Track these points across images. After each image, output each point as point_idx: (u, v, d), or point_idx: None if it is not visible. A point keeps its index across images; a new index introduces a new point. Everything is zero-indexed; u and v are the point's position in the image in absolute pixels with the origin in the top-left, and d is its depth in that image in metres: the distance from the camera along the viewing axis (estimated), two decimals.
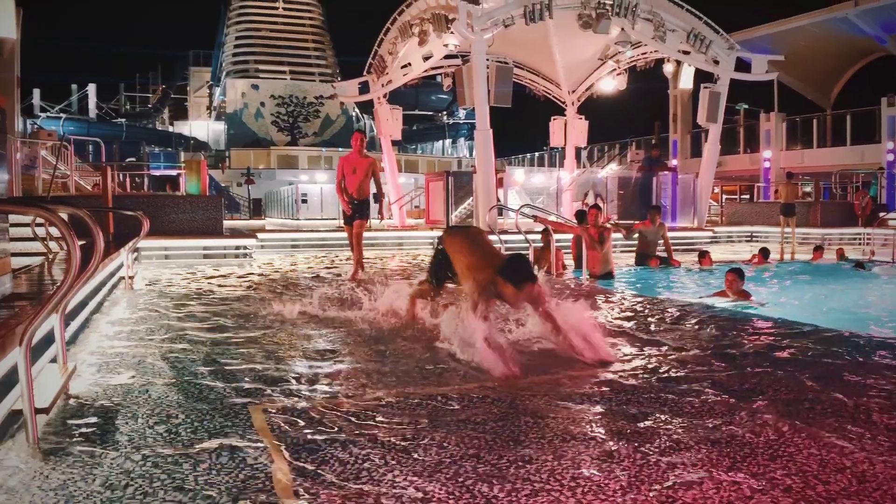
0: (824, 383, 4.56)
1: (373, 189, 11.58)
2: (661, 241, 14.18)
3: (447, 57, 21.18)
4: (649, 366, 5.15)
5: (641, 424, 3.77)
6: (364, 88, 24.44)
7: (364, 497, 2.81)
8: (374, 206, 12.43)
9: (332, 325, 6.77)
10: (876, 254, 17.45)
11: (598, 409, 4.09)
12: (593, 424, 3.80)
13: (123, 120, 70.96)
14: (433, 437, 3.54)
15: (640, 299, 9.13)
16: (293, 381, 4.67)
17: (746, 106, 34.69)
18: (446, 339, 5.68)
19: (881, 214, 23.73)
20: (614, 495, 2.83)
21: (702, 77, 21.61)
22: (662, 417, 3.89)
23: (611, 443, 3.45)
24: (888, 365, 5.14)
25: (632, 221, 17.37)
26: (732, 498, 2.80)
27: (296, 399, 4.27)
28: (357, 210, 11.41)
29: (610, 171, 27.05)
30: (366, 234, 16.92)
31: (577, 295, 9.74)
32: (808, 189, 33.83)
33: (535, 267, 12.03)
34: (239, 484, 2.94)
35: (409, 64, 21.96)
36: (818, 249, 15.52)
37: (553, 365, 5.10)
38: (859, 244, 20.58)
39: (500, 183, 19.98)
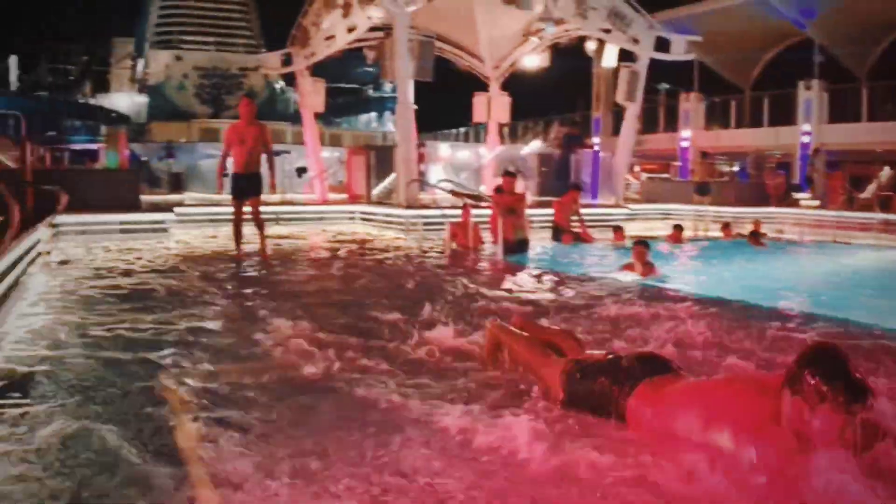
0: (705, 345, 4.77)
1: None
2: (576, 217, 14.40)
3: (372, 29, 20.98)
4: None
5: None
6: (287, 60, 24.04)
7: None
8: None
9: (244, 302, 6.76)
10: (785, 232, 18.03)
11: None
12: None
13: (45, 93, 68.69)
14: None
15: (549, 274, 9.31)
16: (203, 353, 4.71)
17: (667, 86, 35.24)
18: None
19: (793, 194, 24.49)
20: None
21: (626, 56, 21.86)
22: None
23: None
24: (759, 328, 5.38)
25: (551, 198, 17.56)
26: None
27: (206, 371, 4.30)
28: (248, 185, 10.47)
29: (533, 147, 27.18)
30: (286, 209, 16.79)
31: (489, 270, 9.89)
32: (734, 168, 34.71)
33: (452, 242, 12.20)
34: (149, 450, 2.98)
35: (333, 36, 21.67)
36: (726, 227, 15.95)
37: None
38: (772, 223, 21.20)
39: (421, 158, 19.97)
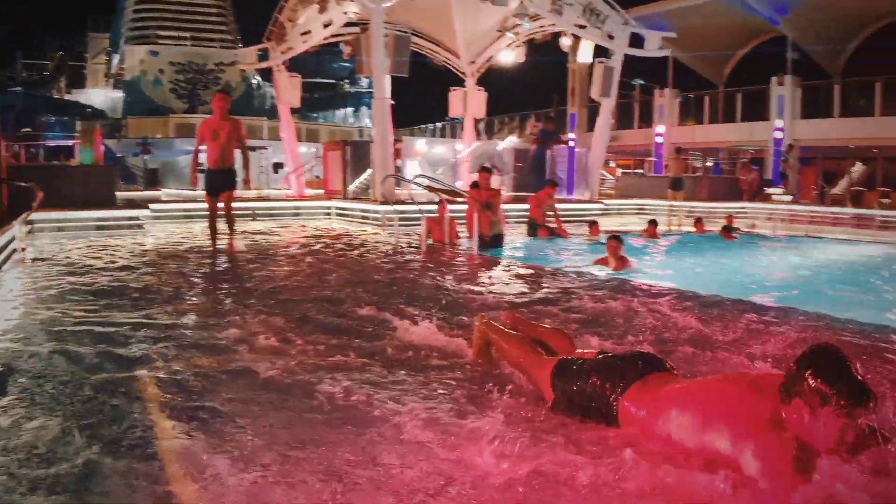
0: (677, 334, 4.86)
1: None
2: (552, 213, 14.51)
3: (348, 25, 20.97)
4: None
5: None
6: (264, 56, 24.00)
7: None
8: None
9: (218, 298, 6.77)
10: (757, 227, 18.23)
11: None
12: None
13: (20, 88, 67.94)
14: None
15: (525, 268, 9.39)
16: (177, 349, 4.76)
17: (642, 82, 35.50)
18: None
19: (766, 189, 24.76)
20: None
21: (601, 52, 21.97)
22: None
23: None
24: (732, 320, 5.49)
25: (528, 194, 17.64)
26: None
27: (179, 365, 4.33)
28: (222, 181, 10.35)
29: (509, 143, 27.26)
30: (262, 205, 16.73)
31: (464, 264, 9.96)
32: (709, 163, 35.00)
33: (428, 237, 12.26)
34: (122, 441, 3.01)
35: (310, 31, 21.64)
36: (699, 221, 16.11)
37: None
38: (745, 218, 21.41)
39: (398, 154, 19.99)
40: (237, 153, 10.53)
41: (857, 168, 25.16)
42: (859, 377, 2.61)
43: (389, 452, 3.03)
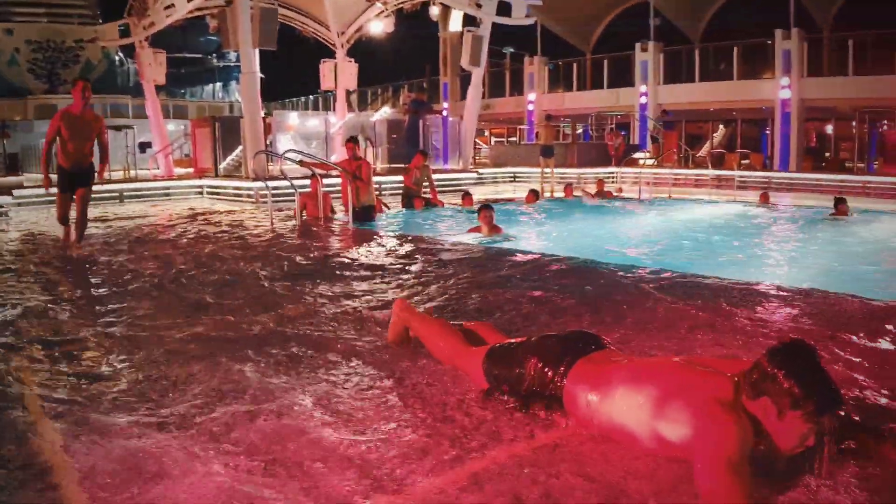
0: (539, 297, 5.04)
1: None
2: (427, 183, 14.61)
3: None
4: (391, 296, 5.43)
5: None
6: (125, 31, 23.13)
7: None
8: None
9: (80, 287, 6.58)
10: (623, 190, 18.86)
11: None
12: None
13: None
14: None
15: (400, 239, 9.46)
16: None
17: (512, 50, 35.86)
18: None
19: (633, 154, 25.62)
20: None
21: (470, 21, 22.08)
22: None
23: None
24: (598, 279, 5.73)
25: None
26: None
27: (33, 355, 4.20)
28: (79, 178, 8.99)
29: (382, 114, 27.21)
30: (130, 186, 16.18)
31: (340, 238, 9.96)
32: (578, 130, 35.78)
33: (302, 212, 12.16)
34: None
35: (173, 5, 20.89)
36: (568, 186, 16.57)
37: None
38: (613, 182, 22.09)
39: (269, 128, 19.67)
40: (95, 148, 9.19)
41: (720, 132, 26.29)
42: (833, 384, 2.52)
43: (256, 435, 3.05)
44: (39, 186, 10.50)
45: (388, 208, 13.91)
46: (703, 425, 2.55)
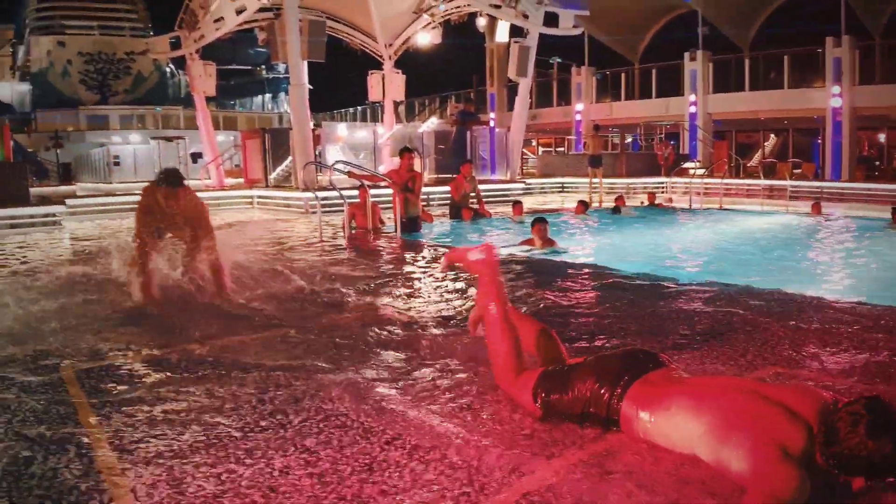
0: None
1: None
2: (474, 194, 14.54)
3: (261, 10, 20.61)
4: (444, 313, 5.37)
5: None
6: (176, 44, 23.50)
7: None
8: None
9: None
10: (674, 200, 18.61)
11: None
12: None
13: None
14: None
15: (446, 250, 9.38)
16: (100, 342, 4.73)
17: (560, 60, 35.76)
18: None
19: (683, 164, 25.30)
20: None
21: (517, 32, 22.05)
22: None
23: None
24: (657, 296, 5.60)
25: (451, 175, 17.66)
26: None
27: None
28: None
29: (430, 125, 27.26)
30: None
31: (386, 250, 9.93)
32: (627, 140, 35.48)
33: (351, 223, 12.16)
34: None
35: (222, 18, 21.19)
36: (620, 198, 16.39)
37: None
38: (663, 192, 21.84)
39: (318, 140, 19.80)
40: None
41: (771, 141, 25.90)
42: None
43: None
44: (92, 195, 10.66)
45: (431, 220, 13.83)
46: (763, 469, 2.44)
